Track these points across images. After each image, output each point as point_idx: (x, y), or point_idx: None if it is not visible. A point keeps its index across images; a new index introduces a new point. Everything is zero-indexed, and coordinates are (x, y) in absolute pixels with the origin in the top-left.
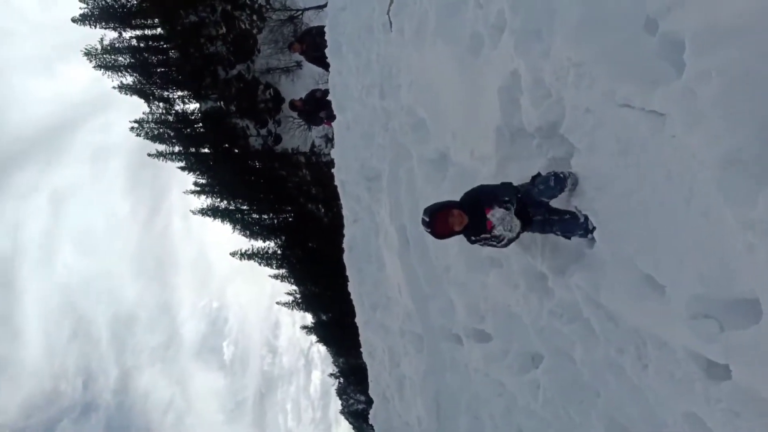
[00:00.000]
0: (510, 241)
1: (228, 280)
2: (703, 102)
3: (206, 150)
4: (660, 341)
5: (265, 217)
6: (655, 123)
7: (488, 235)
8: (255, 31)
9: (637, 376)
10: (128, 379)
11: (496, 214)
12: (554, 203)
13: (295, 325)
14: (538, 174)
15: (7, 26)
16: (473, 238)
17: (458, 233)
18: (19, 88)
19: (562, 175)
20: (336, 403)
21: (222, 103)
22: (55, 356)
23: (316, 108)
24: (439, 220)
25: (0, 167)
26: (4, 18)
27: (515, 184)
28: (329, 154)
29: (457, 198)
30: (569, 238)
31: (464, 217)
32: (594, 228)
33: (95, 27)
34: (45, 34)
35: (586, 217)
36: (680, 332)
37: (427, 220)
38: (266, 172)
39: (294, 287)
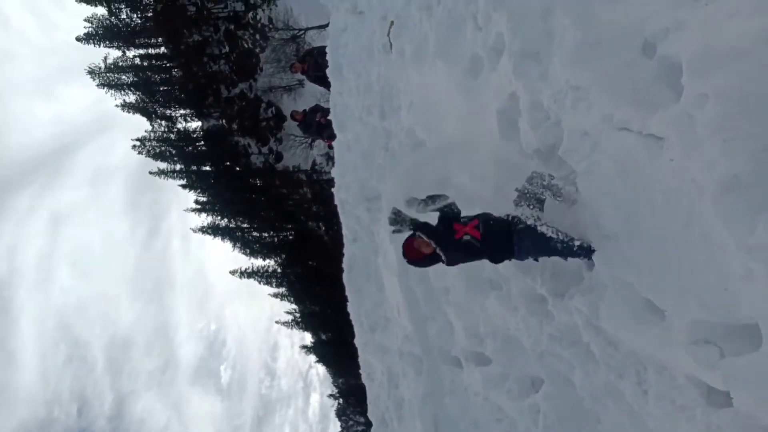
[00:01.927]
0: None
1: (226, 303)
2: (701, 126)
3: (208, 168)
4: (660, 367)
5: (266, 235)
6: (654, 146)
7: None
8: (258, 50)
9: (637, 402)
10: (123, 404)
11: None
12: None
13: (293, 347)
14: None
15: (7, 48)
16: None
17: (432, 256)
18: (18, 111)
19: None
20: (335, 426)
21: (224, 121)
22: (49, 381)
23: (318, 130)
24: (408, 248)
25: None
26: (4, 40)
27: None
28: (330, 172)
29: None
30: (566, 260)
31: (425, 239)
32: (593, 250)
33: (99, 46)
34: (45, 57)
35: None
36: (680, 358)
37: (402, 251)
38: (267, 190)
39: (293, 306)
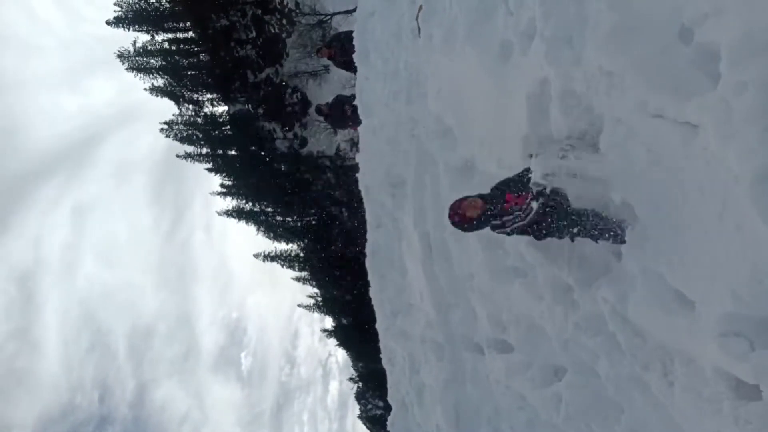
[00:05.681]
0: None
1: (248, 291)
2: (738, 114)
3: (233, 152)
4: (688, 359)
5: (289, 219)
6: (688, 135)
7: (508, 218)
8: (284, 35)
9: (662, 393)
10: (145, 391)
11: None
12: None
13: (313, 335)
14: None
15: (33, 41)
16: (494, 222)
17: (478, 221)
18: (44, 103)
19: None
20: (353, 414)
21: (250, 106)
22: (72, 369)
23: (344, 118)
24: (454, 210)
25: (23, 182)
26: (31, 33)
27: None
28: (354, 157)
29: None
30: (597, 242)
31: (479, 203)
32: (626, 229)
33: (128, 29)
34: (70, 48)
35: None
36: (709, 350)
37: (450, 212)
38: (291, 175)
39: (315, 290)
